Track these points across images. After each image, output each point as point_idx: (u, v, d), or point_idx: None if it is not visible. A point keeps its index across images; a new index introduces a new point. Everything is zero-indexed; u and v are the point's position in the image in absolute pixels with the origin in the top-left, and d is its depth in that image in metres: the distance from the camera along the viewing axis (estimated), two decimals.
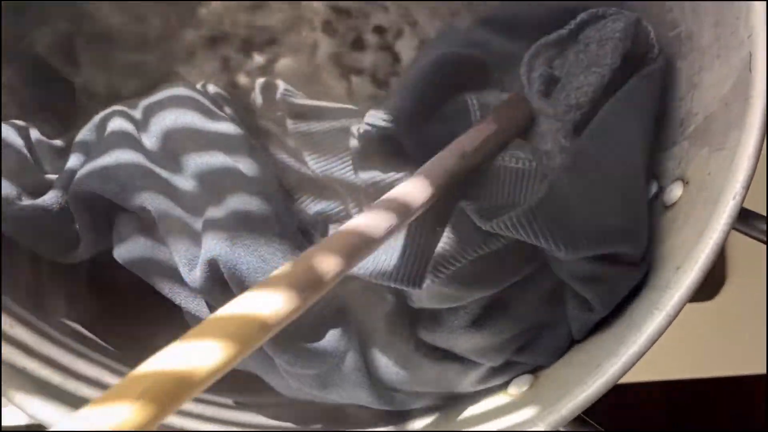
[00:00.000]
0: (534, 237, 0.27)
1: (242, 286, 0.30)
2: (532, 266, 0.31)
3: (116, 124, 0.34)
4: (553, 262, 0.31)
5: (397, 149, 0.32)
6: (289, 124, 0.36)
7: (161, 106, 0.35)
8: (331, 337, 0.31)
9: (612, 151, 0.31)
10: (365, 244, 0.24)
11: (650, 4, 0.35)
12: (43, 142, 0.35)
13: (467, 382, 0.33)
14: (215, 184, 0.32)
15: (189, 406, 0.36)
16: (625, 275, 0.30)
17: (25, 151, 0.33)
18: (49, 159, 0.35)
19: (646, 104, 0.34)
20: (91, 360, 0.34)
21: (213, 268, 0.30)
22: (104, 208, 0.32)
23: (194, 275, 0.31)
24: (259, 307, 0.20)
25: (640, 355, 0.27)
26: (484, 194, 0.30)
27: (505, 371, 0.33)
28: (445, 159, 0.30)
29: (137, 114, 0.36)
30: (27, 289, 0.34)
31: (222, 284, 0.31)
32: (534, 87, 0.35)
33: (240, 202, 0.31)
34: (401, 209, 0.26)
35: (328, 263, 0.22)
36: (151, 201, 0.31)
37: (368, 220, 0.25)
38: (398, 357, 0.32)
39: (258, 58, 0.49)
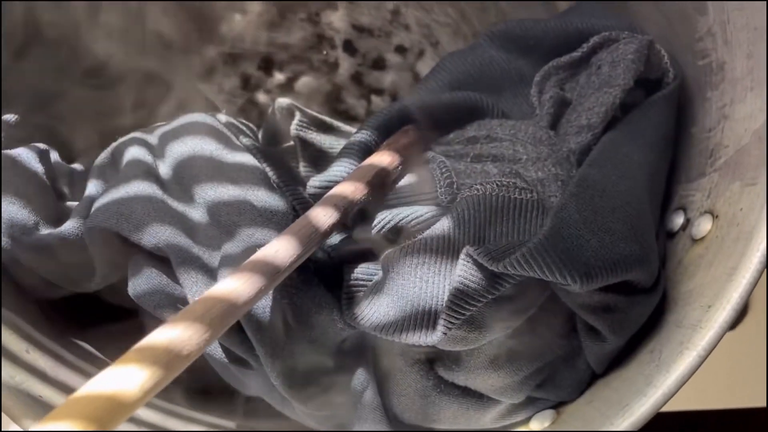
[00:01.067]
0: (547, 272, 0.26)
1: (259, 328, 0.29)
2: (543, 297, 0.30)
3: (133, 152, 0.34)
4: (561, 293, 0.30)
5: None
6: (302, 167, 0.37)
7: (179, 134, 0.34)
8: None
9: (617, 176, 0.30)
10: (232, 310, 0.23)
11: (679, 32, 0.34)
12: (63, 166, 0.35)
13: (487, 418, 0.32)
14: (231, 219, 0.31)
15: None
16: (636, 303, 0.29)
17: (44, 177, 0.33)
18: (68, 183, 0.34)
19: (655, 128, 0.33)
20: None
21: None
22: (120, 243, 0.31)
23: None
24: (119, 386, 0.19)
25: (670, 396, 0.26)
26: (489, 234, 0.29)
27: (526, 407, 0.32)
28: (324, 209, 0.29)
29: (155, 141, 0.35)
30: (43, 312, 0.34)
31: (237, 327, 0.29)
32: (545, 109, 0.35)
33: (256, 238, 0.30)
34: (270, 269, 0.25)
35: (191, 333, 0.21)
36: (166, 240, 0.30)
37: (235, 284, 0.23)
38: (416, 394, 0.31)
39: (278, 76, 0.48)
